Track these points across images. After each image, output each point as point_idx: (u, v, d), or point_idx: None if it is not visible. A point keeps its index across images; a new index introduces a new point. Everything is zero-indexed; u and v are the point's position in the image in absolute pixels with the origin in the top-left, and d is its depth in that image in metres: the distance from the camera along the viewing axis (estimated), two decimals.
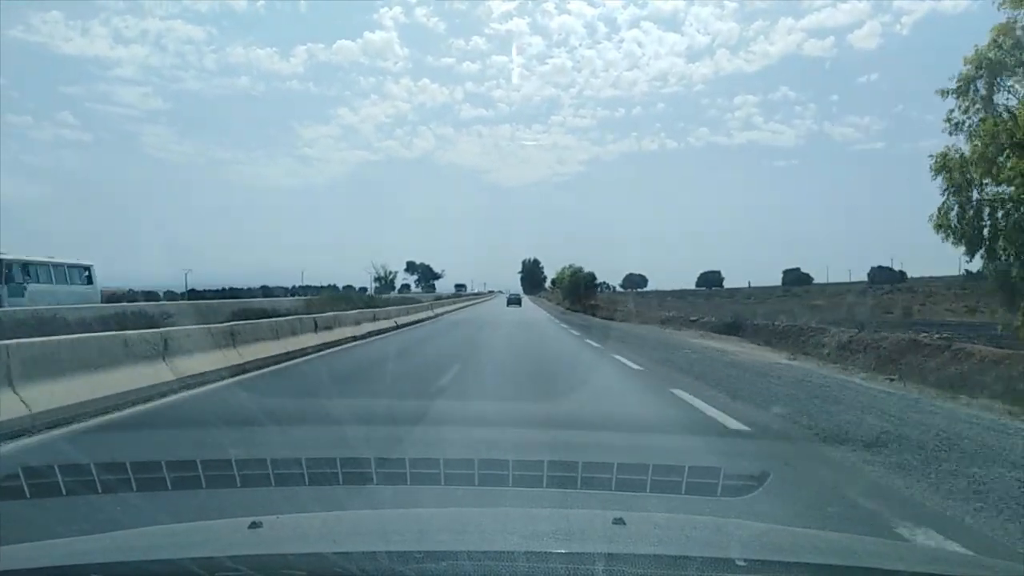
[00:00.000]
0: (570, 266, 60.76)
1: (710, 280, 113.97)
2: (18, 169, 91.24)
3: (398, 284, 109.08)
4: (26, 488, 3.48)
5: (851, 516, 4.04)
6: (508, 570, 1.45)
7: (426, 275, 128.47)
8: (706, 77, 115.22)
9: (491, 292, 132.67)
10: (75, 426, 6.73)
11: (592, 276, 58.89)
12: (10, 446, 5.88)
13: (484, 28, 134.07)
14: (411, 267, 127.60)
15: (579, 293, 55.88)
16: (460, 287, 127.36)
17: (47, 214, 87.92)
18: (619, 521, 1.84)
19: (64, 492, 3.44)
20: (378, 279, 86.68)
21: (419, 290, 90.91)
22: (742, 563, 1.51)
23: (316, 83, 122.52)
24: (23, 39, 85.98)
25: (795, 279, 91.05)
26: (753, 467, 4.97)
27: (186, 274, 55.59)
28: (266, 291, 50.79)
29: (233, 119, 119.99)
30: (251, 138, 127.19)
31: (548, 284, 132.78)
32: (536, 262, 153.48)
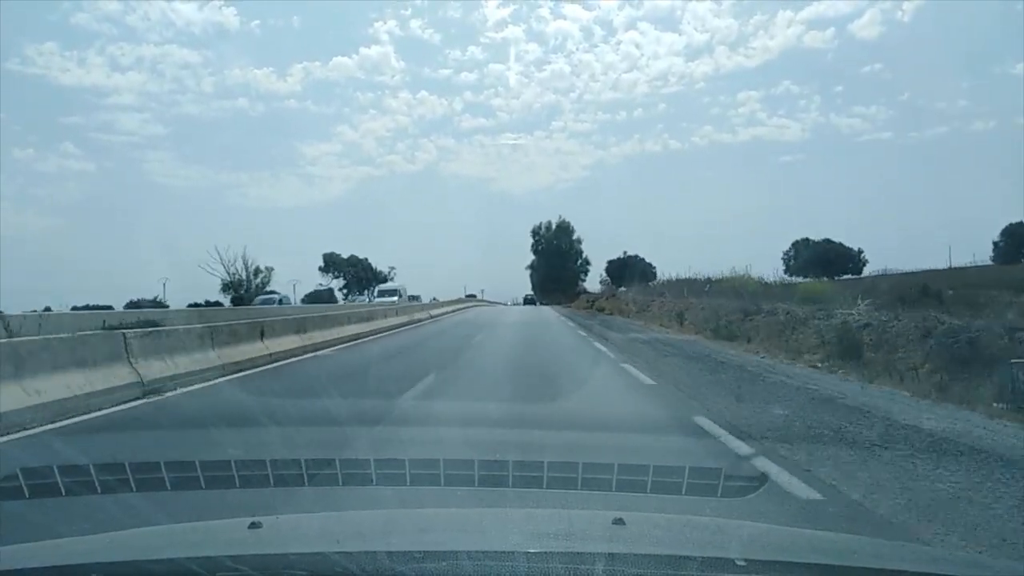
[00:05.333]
0: None
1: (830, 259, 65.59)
2: (27, 203, 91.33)
3: (292, 290, 52.90)
4: (25, 488, 3.48)
5: None
6: (508, 570, 1.45)
7: (359, 278, 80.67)
8: (707, 75, 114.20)
9: (465, 297, 69.15)
10: None
11: None
12: None
13: (480, 37, 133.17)
14: (332, 264, 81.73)
15: None
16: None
17: (62, 245, 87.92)
18: (619, 521, 1.83)
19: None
20: (230, 285, 45.65)
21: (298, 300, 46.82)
22: (742, 563, 1.50)
23: (315, 101, 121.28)
24: (20, 71, 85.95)
25: None
26: (754, 468, 4.95)
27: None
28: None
29: (235, 141, 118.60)
30: (255, 160, 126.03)
31: (602, 275, 72.16)
32: (566, 228, 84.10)
